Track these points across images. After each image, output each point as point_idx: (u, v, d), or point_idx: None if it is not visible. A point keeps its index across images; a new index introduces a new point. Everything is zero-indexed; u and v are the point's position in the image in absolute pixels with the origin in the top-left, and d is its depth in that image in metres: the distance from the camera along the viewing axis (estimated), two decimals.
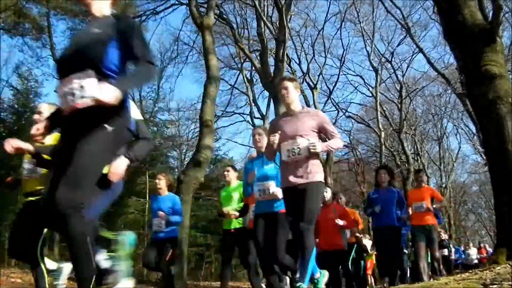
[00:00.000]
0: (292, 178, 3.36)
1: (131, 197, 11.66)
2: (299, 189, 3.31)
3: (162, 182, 5.28)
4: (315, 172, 3.36)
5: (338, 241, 5.72)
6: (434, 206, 6.16)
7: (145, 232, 12.53)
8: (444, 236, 11.53)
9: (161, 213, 5.06)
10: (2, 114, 10.35)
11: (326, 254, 5.45)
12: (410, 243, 7.86)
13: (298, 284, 3.16)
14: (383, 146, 20.31)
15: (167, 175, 5.54)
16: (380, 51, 21.26)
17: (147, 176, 12.93)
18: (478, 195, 30.04)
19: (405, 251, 8.02)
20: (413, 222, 6.21)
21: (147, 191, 12.77)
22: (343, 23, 19.76)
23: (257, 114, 20.10)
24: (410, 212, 6.12)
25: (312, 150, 3.29)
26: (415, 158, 22.87)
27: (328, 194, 5.83)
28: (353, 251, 7.35)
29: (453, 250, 11.93)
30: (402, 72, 21.63)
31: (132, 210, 12.17)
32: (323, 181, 3.42)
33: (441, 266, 7.28)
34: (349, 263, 6.93)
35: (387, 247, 5.83)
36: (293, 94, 3.53)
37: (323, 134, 3.50)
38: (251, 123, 20.34)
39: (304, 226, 3.19)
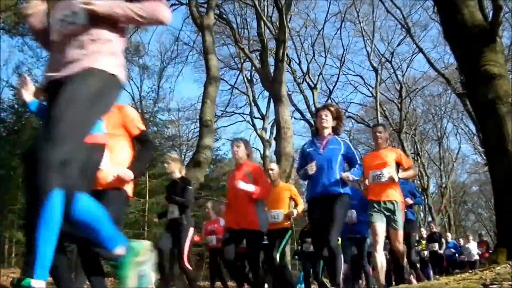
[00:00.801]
0: (57, 69, 1.63)
1: (131, 197, 11.65)
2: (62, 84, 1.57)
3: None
4: (98, 51, 1.63)
5: (250, 217, 4.01)
6: (400, 176, 4.26)
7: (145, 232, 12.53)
8: (435, 229, 10.42)
9: None
10: (2, 114, 10.37)
11: (234, 234, 4.08)
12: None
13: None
14: None
15: None
16: (380, 51, 21.34)
17: (147, 176, 12.93)
18: (478, 195, 30.04)
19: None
20: (370, 197, 4.29)
21: (147, 191, 12.78)
22: (343, 23, 19.87)
23: (257, 114, 20.17)
24: (367, 182, 4.37)
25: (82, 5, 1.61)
26: (415, 158, 22.87)
27: (241, 149, 4.21)
28: (285, 239, 5.06)
29: (444, 245, 10.20)
30: (402, 72, 21.71)
31: (132, 210, 12.17)
32: (114, 72, 1.64)
33: (407, 265, 4.86)
34: (276, 254, 4.85)
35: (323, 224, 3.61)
36: None
37: None
38: (251, 123, 20.42)
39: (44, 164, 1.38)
